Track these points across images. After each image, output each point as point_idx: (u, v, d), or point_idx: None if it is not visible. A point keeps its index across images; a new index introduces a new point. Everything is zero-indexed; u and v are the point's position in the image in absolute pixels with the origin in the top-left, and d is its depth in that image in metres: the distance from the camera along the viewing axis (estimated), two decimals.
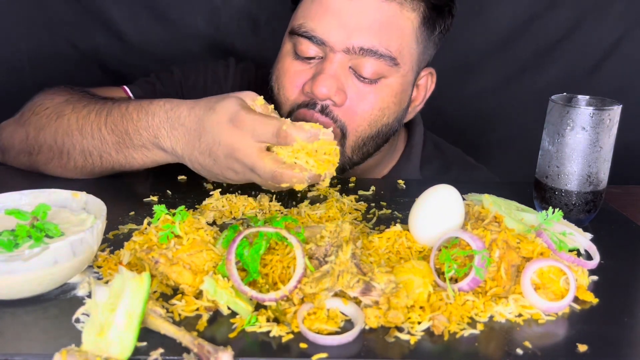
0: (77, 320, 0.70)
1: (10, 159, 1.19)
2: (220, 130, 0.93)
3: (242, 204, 1.02)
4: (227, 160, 0.94)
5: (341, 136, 1.12)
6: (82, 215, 0.84)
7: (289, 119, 0.94)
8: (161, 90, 1.36)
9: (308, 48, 1.11)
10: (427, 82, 1.26)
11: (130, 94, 1.32)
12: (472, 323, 0.74)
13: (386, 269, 0.75)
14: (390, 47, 1.10)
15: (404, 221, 0.94)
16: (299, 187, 0.92)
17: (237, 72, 1.42)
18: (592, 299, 0.80)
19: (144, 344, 0.66)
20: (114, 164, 1.08)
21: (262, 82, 1.09)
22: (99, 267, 0.82)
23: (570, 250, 0.91)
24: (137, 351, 0.65)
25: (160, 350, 0.65)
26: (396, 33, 1.11)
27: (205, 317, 0.72)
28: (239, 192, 1.09)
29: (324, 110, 1.10)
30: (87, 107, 1.09)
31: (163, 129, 1.00)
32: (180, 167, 1.29)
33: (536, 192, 1.07)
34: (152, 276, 0.75)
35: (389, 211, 1.07)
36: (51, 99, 1.15)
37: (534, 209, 1.02)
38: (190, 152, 0.98)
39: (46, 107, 1.13)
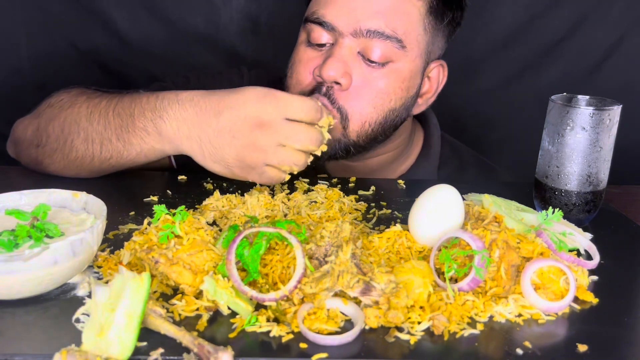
0: (77, 320, 0.70)
1: (21, 153, 1.19)
2: (250, 105, 0.96)
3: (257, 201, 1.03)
4: (253, 133, 0.96)
5: (341, 119, 1.15)
6: (82, 215, 0.84)
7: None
8: None
9: (320, 35, 1.16)
10: (439, 75, 1.27)
11: None
12: (472, 323, 0.74)
13: (386, 269, 0.75)
14: (397, 29, 1.13)
15: (404, 221, 0.94)
16: (323, 148, 1.01)
17: (251, 79, 1.43)
18: (592, 299, 0.80)
19: (144, 344, 0.66)
20: (112, 153, 1.07)
21: (275, 87, 1.10)
22: (99, 267, 0.82)
23: (570, 250, 0.91)
24: (137, 351, 0.65)
25: (160, 350, 0.65)
26: (403, 17, 1.14)
27: (205, 317, 0.72)
28: (239, 192, 1.09)
29: (327, 93, 1.14)
30: (101, 97, 1.11)
31: (170, 110, 1.00)
32: (180, 167, 1.29)
33: (536, 192, 1.07)
34: (152, 276, 0.75)
35: (389, 211, 1.07)
36: (69, 92, 1.16)
37: (534, 209, 1.02)
38: (200, 132, 0.98)
39: (61, 99, 1.14)
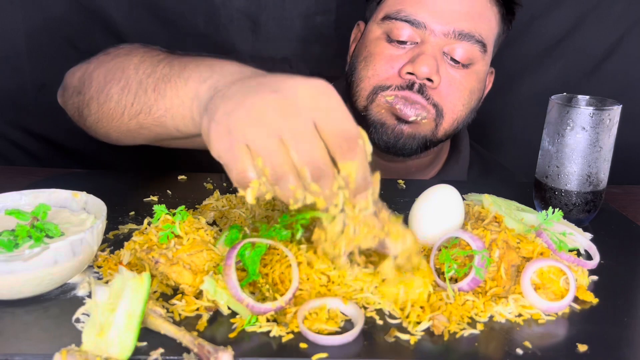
0: (77, 320, 0.70)
1: (67, 102, 1.08)
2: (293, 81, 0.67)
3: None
4: (268, 97, 0.65)
5: (436, 116, 1.18)
6: (82, 215, 0.84)
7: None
8: None
9: (404, 32, 1.18)
10: (487, 78, 1.32)
11: None
12: (472, 323, 0.74)
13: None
14: (482, 34, 1.18)
15: (404, 221, 0.93)
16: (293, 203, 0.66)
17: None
18: (592, 299, 0.80)
19: (144, 344, 0.66)
20: (143, 106, 0.90)
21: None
22: (99, 267, 0.82)
23: (570, 250, 0.91)
24: (137, 351, 0.65)
25: (160, 350, 0.65)
26: (486, 22, 1.19)
27: (205, 317, 0.72)
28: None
29: (421, 89, 1.16)
30: (164, 52, 0.98)
31: (219, 66, 0.80)
32: (180, 167, 1.29)
33: (536, 192, 1.07)
34: (152, 276, 0.75)
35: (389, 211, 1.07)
36: (131, 44, 1.06)
37: (534, 209, 1.02)
38: (230, 82, 0.72)
39: (121, 47, 1.05)
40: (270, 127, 0.63)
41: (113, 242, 0.90)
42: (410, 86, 1.16)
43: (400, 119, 1.17)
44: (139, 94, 0.92)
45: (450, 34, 1.15)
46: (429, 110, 1.16)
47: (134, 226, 0.96)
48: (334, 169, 0.65)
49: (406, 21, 1.17)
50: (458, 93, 1.19)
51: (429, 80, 1.15)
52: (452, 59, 1.17)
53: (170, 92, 0.86)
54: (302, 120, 0.63)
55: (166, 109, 0.87)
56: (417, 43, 1.18)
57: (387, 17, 1.20)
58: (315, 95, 0.65)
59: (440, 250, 0.81)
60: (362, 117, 1.21)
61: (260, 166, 0.64)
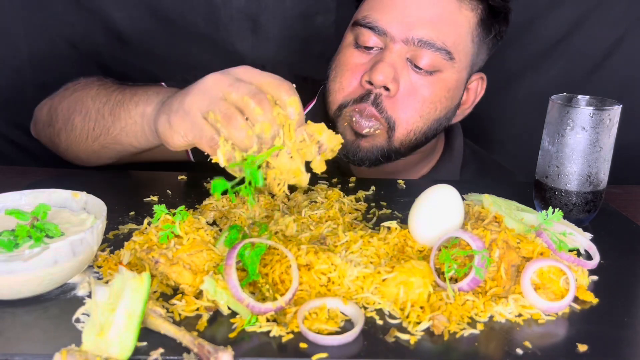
0: (77, 320, 0.70)
1: (40, 133, 1.25)
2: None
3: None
4: (205, 79, 0.83)
5: (388, 128, 1.17)
6: (82, 215, 0.84)
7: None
8: None
9: (369, 38, 1.17)
10: (478, 87, 1.29)
11: None
12: (472, 323, 0.74)
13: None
14: (447, 41, 1.15)
15: (404, 221, 0.94)
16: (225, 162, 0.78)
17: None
18: (592, 299, 0.80)
19: (144, 344, 0.66)
20: (102, 129, 1.09)
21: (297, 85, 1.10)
22: (99, 267, 0.82)
23: (570, 250, 0.91)
24: (137, 351, 0.65)
25: (160, 350, 0.65)
26: (453, 28, 1.16)
27: (205, 317, 0.72)
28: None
29: (375, 101, 1.15)
30: (116, 84, 1.14)
31: (161, 94, 0.99)
32: (180, 167, 1.29)
33: (536, 192, 1.07)
34: (152, 276, 0.75)
35: (389, 211, 1.07)
36: (86, 78, 1.22)
37: (534, 209, 1.02)
38: (172, 95, 0.90)
39: (78, 82, 1.20)
40: (213, 93, 0.79)
41: (113, 242, 0.90)
42: (367, 97, 1.15)
43: (358, 133, 1.17)
44: (98, 119, 1.10)
45: (410, 41, 1.14)
46: (382, 123, 1.16)
47: (134, 226, 0.96)
48: (270, 97, 0.78)
49: (369, 28, 1.16)
50: (416, 103, 1.16)
51: (386, 89, 1.14)
52: (416, 66, 1.15)
53: (123, 114, 1.05)
54: (236, 80, 0.79)
55: (121, 128, 1.06)
56: (382, 49, 1.17)
57: (355, 23, 1.20)
58: (240, 71, 0.81)
59: (440, 250, 0.81)
60: (334, 128, 1.22)
61: (212, 118, 0.78)
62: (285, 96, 0.77)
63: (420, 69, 1.15)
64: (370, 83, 1.15)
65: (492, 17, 1.21)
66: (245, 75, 0.80)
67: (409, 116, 1.17)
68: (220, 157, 0.77)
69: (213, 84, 0.80)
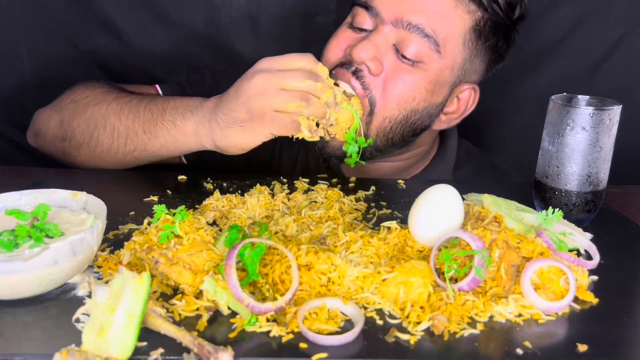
0: (77, 320, 0.70)
1: (45, 143, 1.26)
2: (246, 73, 1.04)
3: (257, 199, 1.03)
4: (252, 81, 1.01)
5: (369, 111, 1.15)
6: (82, 215, 0.84)
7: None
8: (191, 95, 1.36)
9: (364, 19, 1.17)
10: (470, 99, 1.26)
11: (161, 93, 1.34)
12: (472, 323, 0.74)
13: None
14: (437, 31, 1.13)
15: (404, 221, 0.94)
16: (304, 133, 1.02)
17: None
18: (592, 299, 0.80)
19: (144, 344, 0.66)
20: (137, 145, 1.15)
21: None
22: (99, 267, 0.82)
23: (570, 250, 0.91)
24: (137, 351, 0.65)
25: (160, 350, 0.65)
26: (445, 23, 1.14)
27: (205, 317, 0.72)
28: (239, 192, 1.09)
29: (356, 73, 1.14)
30: (131, 96, 1.19)
31: (196, 110, 1.10)
32: (179, 167, 1.29)
33: (536, 192, 1.07)
34: (152, 276, 0.75)
35: (389, 211, 1.07)
36: (92, 89, 1.23)
37: (534, 209, 1.02)
38: (212, 115, 1.06)
39: (86, 96, 1.21)
40: (271, 90, 0.99)
41: (113, 242, 0.90)
42: (349, 65, 1.14)
43: None
44: (130, 136, 1.15)
45: (399, 24, 1.12)
46: (365, 105, 1.13)
47: (134, 226, 0.96)
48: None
49: (363, 7, 1.16)
50: (395, 89, 1.14)
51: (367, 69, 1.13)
52: (402, 55, 1.13)
53: (161, 133, 1.12)
54: (277, 72, 1.00)
55: (161, 145, 1.13)
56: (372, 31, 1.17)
57: (353, 4, 1.21)
58: (266, 63, 1.02)
59: (440, 250, 0.81)
60: None
61: (294, 106, 0.99)
62: (313, 65, 1.02)
63: (405, 57, 1.13)
64: (351, 56, 1.14)
65: (489, 28, 1.18)
66: (276, 64, 1.01)
67: (388, 102, 1.15)
68: (305, 132, 1.01)
69: (263, 83, 0.99)
